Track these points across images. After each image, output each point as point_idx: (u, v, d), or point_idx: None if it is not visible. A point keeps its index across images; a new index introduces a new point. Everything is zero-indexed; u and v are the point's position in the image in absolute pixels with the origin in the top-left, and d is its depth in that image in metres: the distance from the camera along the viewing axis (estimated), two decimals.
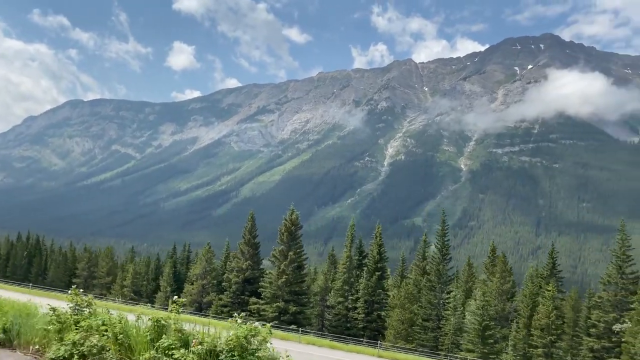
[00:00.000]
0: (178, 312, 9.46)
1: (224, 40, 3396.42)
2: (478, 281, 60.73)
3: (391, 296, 60.11)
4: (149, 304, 59.61)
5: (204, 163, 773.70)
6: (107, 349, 9.05)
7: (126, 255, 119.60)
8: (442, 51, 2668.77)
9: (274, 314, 53.26)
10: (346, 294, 62.09)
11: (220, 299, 61.60)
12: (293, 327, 47.72)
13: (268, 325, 8.12)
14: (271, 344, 8.06)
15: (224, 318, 53.63)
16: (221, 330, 8.75)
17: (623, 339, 43.30)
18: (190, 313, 55.46)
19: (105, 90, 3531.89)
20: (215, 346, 8.08)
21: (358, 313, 60.19)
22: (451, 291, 54.42)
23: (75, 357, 8.90)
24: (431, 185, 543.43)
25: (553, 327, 42.68)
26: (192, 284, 68.97)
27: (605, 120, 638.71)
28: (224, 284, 63.92)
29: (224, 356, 7.92)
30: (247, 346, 7.81)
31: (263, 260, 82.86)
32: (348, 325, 59.85)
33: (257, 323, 8.05)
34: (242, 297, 60.26)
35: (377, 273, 61.57)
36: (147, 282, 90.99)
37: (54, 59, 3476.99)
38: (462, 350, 46.14)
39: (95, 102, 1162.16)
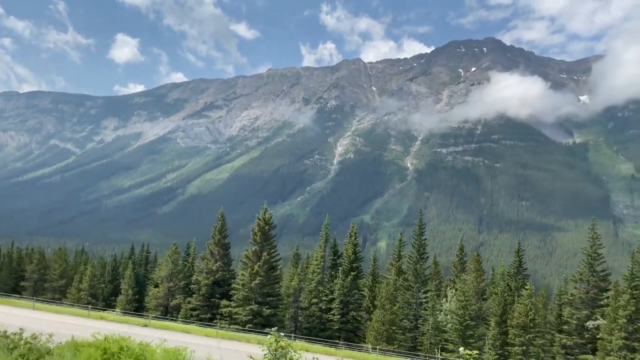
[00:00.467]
0: None
1: (169, 34, 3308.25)
2: (448, 280, 61.78)
3: (366, 297, 60.08)
4: (114, 310, 56.79)
5: (149, 159, 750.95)
6: None
7: (74, 256, 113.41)
8: (390, 52, 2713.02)
9: (248, 317, 51.90)
10: (320, 295, 61.51)
11: (189, 302, 59.45)
12: (267, 330, 46.55)
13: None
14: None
15: (193, 322, 52.13)
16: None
17: (598, 336, 45.12)
18: (156, 318, 53.27)
19: (43, 82, 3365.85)
20: None
21: (333, 314, 59.70)
22: (428, 290, 54.98)
23: None
24: (379, 183, 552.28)
25: (531, 325, 44.03)
26: (157, 286, 66.28)
27: (542, 122, 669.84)
28: (192, 286, 61.71)
29: None
30: None
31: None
32: (322, 327, 59.31)
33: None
34: (213, 299, 58.41)
35: (352, 273, 61.30)
36: (104, 284, 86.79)
37: None
38: (443, 351, 46.76)
39: (32, 95, 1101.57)
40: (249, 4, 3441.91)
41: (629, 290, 41.72)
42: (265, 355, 9.78)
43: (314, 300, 61.58)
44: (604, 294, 51.02)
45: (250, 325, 49.61)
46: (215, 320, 52.66)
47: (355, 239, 64.94)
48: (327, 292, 61.71)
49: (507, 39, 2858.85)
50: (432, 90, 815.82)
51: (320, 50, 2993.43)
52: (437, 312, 51.46)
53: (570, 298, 52.31)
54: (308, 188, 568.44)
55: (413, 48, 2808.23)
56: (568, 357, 49.26)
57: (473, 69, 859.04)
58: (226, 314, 53.86)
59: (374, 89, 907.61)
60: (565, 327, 51.16)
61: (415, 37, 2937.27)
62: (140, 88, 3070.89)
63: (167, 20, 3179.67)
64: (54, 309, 46.36)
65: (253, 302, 52.83)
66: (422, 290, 57.30)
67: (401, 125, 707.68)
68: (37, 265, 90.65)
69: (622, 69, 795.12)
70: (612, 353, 41.48)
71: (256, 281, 52.75)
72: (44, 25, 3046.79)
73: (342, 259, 64.86)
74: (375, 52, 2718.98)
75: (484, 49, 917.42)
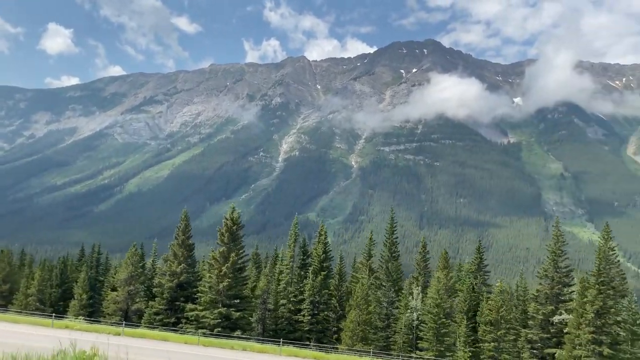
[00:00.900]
0: None
1: (107, 25, 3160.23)
2: (412, 277, 62.43)
3: (334, 296, 59.47)
4: (78, 318, 53.09)
5: (84, 156, 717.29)
6: None
7: (19, 259, 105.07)
8: (334, 50, 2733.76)
9: (216, 320, 49.99)
10: (289, 296, 60.40)
11: (152, 307, 56.62)
12: (238, 333, 45.28)
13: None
14: None
15: (156, 327, 49.67)
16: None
17: (565, 330, 46.78)
18: (115, 324, 50.28)
19: None
20: None
21: (303, 315, 58.75)
22: (400, 289, 55.18)
23: None
24: (324, 181, 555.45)
25: (502, 321, 45.11)
26: (116, 290, 62.81)
27: (479, 123, 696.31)
28: (155, 289, 58.87)
29: None
30: None
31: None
32: (291, 328, 58.22)
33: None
34: (177, 303, 55.95)
35: (322, 273, 60.58)
36: (52, 289, 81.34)
37: None
38: (418, 350, 47.03)
39: None
40: None
41: (596, 285, 43.71)
42: None
43: (283, 301, 60.48)
44: (567, 289, 53.20)
45: (219, 329, 47.95)
46: (180, 325, 50.60)
47: (325, 237, 64.33)
48: (297, 292, 60.73)
49: (446, 41, 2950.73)
50: (376, 90, 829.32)
51: (264, 46, 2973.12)
52: (409, 311, 51.83)
53: (536, 294, 54.21)
54: (253, 186, 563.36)
55: (356, 47, 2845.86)
56: (533, 351, 51.13)
57: (414, 70, 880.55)
58: (192, 318, 51.76)
59: (319, 87, 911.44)
60: (531, 322, 52.96)
61: (358, 37, 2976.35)
62: (74, 81, 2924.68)
63: (104, 10, 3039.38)
64: (11, 319, 42.53)
65: (220, 305, 51.09)
66: (393, 289, 57.55)
67: (345, 123, 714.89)
68: None
69: (553, 73, 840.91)
70: (580, 347, 43.24)
71: (224, 283, 51.01)
72: None
73: (311, 258, 63.97)
74: (320, 50, 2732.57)
75: (425, 50, 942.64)
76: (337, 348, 45.35)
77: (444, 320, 48.47)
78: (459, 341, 47.94)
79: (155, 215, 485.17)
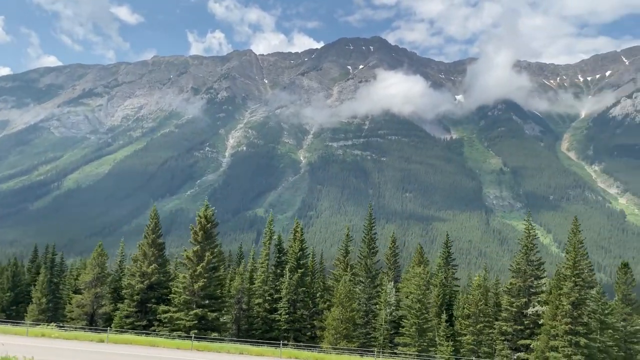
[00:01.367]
0: None
1: (40, 13, 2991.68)
2: (382, 273, 62.73)
3: (310, 294, 58.69)
4: (49, 324, 49.34)
5: (17, 150, 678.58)
6: None
7: None
8: (280, 45, 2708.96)
9: (192, 322, 48.17)
10: (265, 295, 59.10)
11: (122, 309, 53.82)
12: (215, 335, 43.76)
13: None
14: None
15: (127, 331, 47.11)
16: None
17: (540, 322, 48.36)
18: (80, 329, 47.28)
19: None
20: None
21: (280, 314, 57.65)
22: (378, 285, 55.14)
23: None
24: (272, 176, 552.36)
25: (481, 315, 46.04)
26: (80, 293, 59.24)
27: (423, 119, 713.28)
28: (124, 291, 56.00)
29: None
30: None
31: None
32: (267, 328, 57.03)
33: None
34: (148, 305, 53.49)
35: (299, 270, 59.65)
36: (4, 293, 75.73)
37: None
38: (400, 345, 47.15)
39: None
40: None
41: (572, 278, 45.49)
42: None
43: (258, 300, 59.17)
44: (538, 281, 55.11)
45: (196, 331, 46.21)
46: (152, 327, 48.46)
47: (301, 235, 63.41)
48: (272, 291, 59.57)
49: (391, 38, 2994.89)
50: (323, 85, 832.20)
51: (208, 39, 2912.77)
52: (388, 307, 52.01)
53: (509, 287, 55.88)
54: (198, 181, 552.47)
55: (303, 42, 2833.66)
56: (506, 342, 52.75)
57: (361, 66, 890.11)
58: (166, 320, 49.68)
59: (266, 81, 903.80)
60: (505, 314, 54.55)
61: (305, 32, 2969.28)
62: (5, 71, 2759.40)
63: None
64: None
65: (195, 306, 49.33)
66: (372, 285, 57.55)
67: (293, 118, 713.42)
68: None
69: (493, 72, 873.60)
70: (557, 337, 44.91)
71: (199, 283, 49.24)
72: None
73: (286, 256, 62.87)
74: (266, 44, 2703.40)
75: (371, 47, 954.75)
76: (316, 347, 44.82)
77: (426, 315, 49.07)
78: (438, 336, 48.68)
79: (96, 213, 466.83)
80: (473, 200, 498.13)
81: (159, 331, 46.55)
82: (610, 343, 50.92)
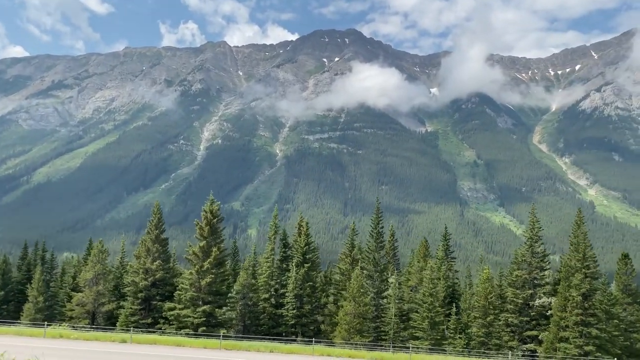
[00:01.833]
0: None
1: (5, 1, 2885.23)
2: (388, 266, 62.70)
3: (317, 289, 58.17)
4: (51, 324, 47.35)
5: None
6: None
7: None
8: (255, 36, 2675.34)
9: (200, 319, 47.18)
10: (271, 290, 58.31)
11: (127, 308, 52.35)
12: (223, 332, 42.83)
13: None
14: None
15: (130, 329, 45.63)
16: None
17: (549, 313, 48.94)
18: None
19: None
20: None
21: (287, 309, 56.97)
22: (386, 278, 54.99)
23: None
24: (249, 169, 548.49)
25: (490, 307, 46.37)
26: (80, 291, 57.38)
27: (399, 112, 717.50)
28: (126, 289, 54.46)
29: None
30: None
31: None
32: (274, 324, 56.33)
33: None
34: (153, 302, 52.17)
35: (306, 265, 58.99)
36: None
37: None
38: (412, 339, 47.13)
39: None
40: None
41: (583, 269, 46.21)
42: None
43: (264, 295, 58.40)
44: (543, 273, 55.90)
45: (204, 328, 45.38)
46: (157, 325, 47.34)
47: (307, 229, 62.66)
48: (278, 286, 58.83)
49: (366, 31, 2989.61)
50: (299, 77, 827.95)
51: (181, 30, 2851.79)
52: (397, 301, 51.99)
53: (514, 279, 56.49)
54: (173, 175, 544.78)
55: (277, 34, 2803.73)
56: (512, 334, 53.45)
57: (336, 59, 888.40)
58: (172, 318, 48.54)
59: (241, 73, 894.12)
60: (510, 306, 55.15)
61: (279, 24, 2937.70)
62: None
63: None
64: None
65: (202, 303, 48.33)
66: (380, 279, 57.39)
67: (269, 111, 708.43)
68: None
69: (466, 65, 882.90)
70: (567, 329, 45.65)
71: (207, 279, 48.25)
72: None
73: (292, 250, 62.11)
74: (240, 35, 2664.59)
75: (346, 40, 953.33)
76: (325, 342, 44.51)
77: (438, 309, 49.28)
78: (448, 329, 48.98)
79: (67, 207, 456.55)
80: (448, 193, 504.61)
81: (165, 329, 45.56)
82: (616, 333, 52.15)
